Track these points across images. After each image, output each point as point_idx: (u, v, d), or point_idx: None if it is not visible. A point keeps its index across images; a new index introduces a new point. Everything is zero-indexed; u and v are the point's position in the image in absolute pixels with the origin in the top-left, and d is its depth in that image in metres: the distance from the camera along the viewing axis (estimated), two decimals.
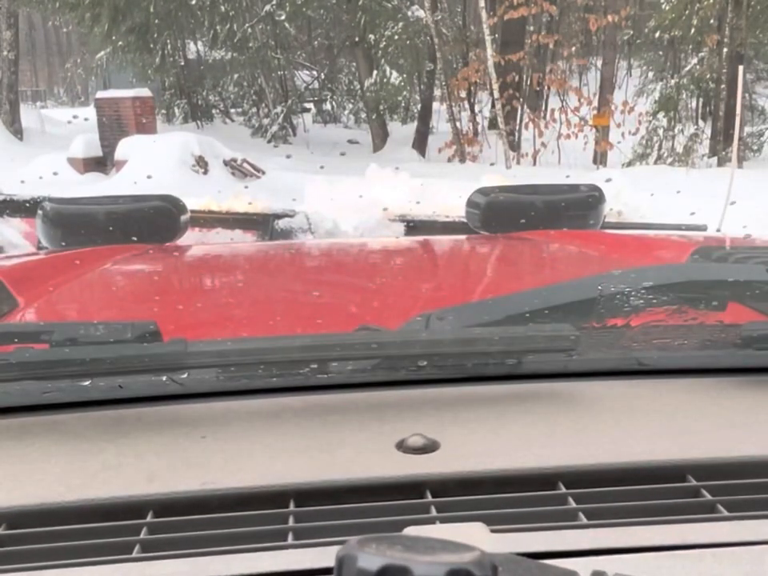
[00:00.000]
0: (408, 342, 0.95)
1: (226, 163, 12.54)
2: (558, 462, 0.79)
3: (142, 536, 0.69)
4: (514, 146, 15.35)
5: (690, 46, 15.32)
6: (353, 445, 0.83)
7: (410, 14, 16.06)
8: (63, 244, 2.07)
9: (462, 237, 2.55)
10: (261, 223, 4.04)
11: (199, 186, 10.69)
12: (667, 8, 14.51)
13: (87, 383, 0.91)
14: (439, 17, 15.69)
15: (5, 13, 16.37)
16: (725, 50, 14.37)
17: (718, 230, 3.19)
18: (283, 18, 16.34)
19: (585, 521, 0.70)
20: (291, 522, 0.71)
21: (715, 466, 0.79)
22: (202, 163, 12.09)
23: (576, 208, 2.25)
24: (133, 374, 0.91)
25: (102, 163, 13.59)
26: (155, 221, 2.11)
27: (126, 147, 12.52)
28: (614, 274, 1.10)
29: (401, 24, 16.13)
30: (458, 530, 0.65)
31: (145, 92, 14.75)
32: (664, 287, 1.08)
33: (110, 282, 1.72)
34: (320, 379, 0.94)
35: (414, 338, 0.96)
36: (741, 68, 4.38)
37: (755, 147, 15.54)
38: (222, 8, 15.85)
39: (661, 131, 15.20)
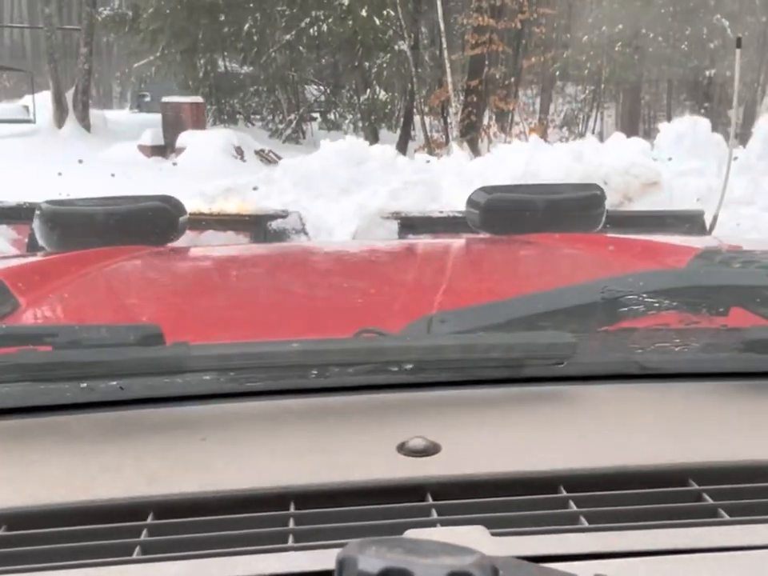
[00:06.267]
0: (409, 346, 0.90)
1: (256, 152, 15.94)
2: (559, 465, 0.74)
3: (142, 538, 0.65)
4: (476, 150, 19.80)
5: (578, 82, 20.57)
6: (353, 447, 0.78)
7: (396, 47, 19.09)
8: (62, 245, 1.97)
9: (462, 239, 2.54)
10: (254, 224, 3.90)
11: (237, 168, 13.20)
12: (565, 55, 19.40)
13: (88, 385, 0.87)
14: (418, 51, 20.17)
15: (83, 34, 19.68)
16: (602, 86, 19.79)
17: (715, 218, 3.05)
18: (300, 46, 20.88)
19: (586, 524, 0.66)
20: (291, 525, 0.67)
21: (717, 470, 0.74)
22: (239, 152, 15.39)
23: (577, 207, 2.22)
24: (135, 377, 0.87)
25: (163, 150, 16.58)
26: (154, 222, 2.05)
27: (184, 138, 15.63)
28: (616, 277, 1.07)
29: (389, 55, 19.53)
30: (458, 533, 0.62)
31: (198, 99, 18.23)
32: (666, 291, 1.04)
33: (110, 284, 1.66)
34: (321, 382, 0.90)
35: (415, 341, 0.92)
36: (737, 53, 3.85)
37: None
38: (255, 38, 19.34)
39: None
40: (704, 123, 7.49)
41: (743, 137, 7.03)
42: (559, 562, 0.59)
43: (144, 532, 0.67)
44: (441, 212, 3.98)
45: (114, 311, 1.44)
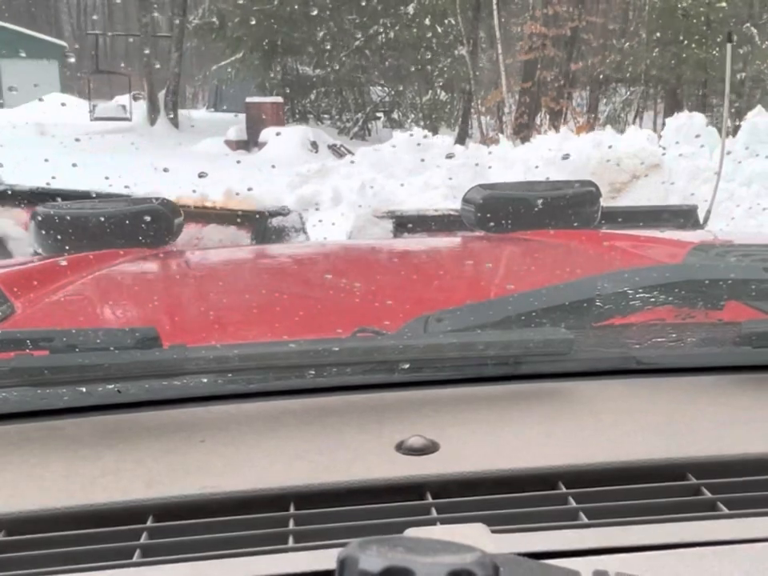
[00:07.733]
0: (406, 345, 0.88)
1: (329, 146, 17.03)
2: (557, 461, 0.73)
3: (142, 541, 0.64)
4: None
5: (621, 83, 21.79)
6: (352, 447, 0.76)
7: (456, 52, 20.50)
8: (57, 249, 1.95)
9: (458, 237, 2.51)
10: (255, 220, 3.86)
11: (313, 159, 13.48)
12: (609, 60, 20.91)
13: (86, 389, 0.86)
14: (476, 56, 21.74)
15: (174, 40, 21.43)
16: (641, 88, 20.78)
17: (709, 211, 3.07)
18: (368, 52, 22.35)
19: (585, 520, 0.65)
20: (291, 525, 0.66)
21: (715, 464, 0.73)
22: (314, 146, 16.57)
23: (572, 204, 2.20)
24: (133, 380, 0.86)
25: (246, 144, 18.03)
26: (149, 224, 2.03)
27: (266, 133, 16.92)
28: (612, 273, 1.04)
29: (449, 59, 20.99)
30: (458, 531, 0.61)
31: (278, 99, 19.69)
32: (662, 286, 1.02)
33: (106, 288, 1.65)
34: (319, 382, 0.88)
35: (412, 340, 0.90)
36: (729, 47, 4.02)
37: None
38: (328, 44, 20.91)
39: None
40: (699, 117, 9.13)
41: (734, 129, 8.57)
42: (560, 558, 0.57)
43: (144, 535, 0.65)
44: (436, 210, 3.88)
45: (111, 314, 1.43)
